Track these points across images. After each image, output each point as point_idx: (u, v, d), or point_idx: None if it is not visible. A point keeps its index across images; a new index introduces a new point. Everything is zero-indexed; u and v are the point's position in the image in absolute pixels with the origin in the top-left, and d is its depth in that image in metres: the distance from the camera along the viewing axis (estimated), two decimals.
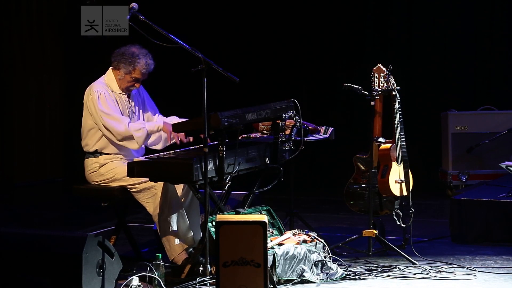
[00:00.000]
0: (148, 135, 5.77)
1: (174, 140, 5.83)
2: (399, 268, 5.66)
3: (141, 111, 6.01)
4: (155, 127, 5.78)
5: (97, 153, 5.82)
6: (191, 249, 5.64)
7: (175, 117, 6.03)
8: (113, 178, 5.77)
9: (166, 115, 6.11)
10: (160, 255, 5.25)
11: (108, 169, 5.79)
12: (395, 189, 6.03)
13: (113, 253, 5.12)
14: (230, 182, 5.56)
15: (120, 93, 5.88)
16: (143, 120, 5.99)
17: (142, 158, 5.51)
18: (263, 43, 9.84)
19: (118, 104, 5.83)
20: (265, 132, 6.22)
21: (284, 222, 6.27)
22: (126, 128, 5.70)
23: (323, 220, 7.69)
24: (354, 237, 6.08)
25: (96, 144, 5.81)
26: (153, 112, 6.07)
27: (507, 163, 6.63)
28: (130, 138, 5.71)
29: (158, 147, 5.98)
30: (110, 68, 5.91)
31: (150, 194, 5.67)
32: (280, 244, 5.42)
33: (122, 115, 5.80)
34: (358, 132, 8.48)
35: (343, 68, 9.63)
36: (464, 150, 8.74)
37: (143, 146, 5.88)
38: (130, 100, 5.94)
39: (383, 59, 6.17)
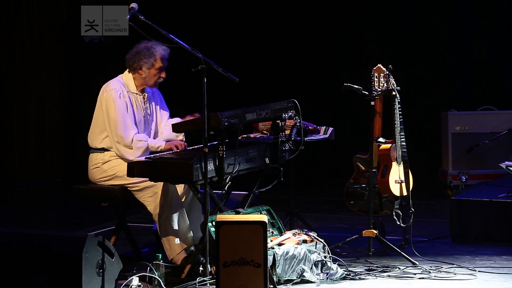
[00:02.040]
0: (147, 150, 5.74)
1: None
2: (399, 268, 5.66)
3: (157, 113, 6.00)
4: (155, 145, 5.75)
5: (103, 149, 5.82)
6: (191, 249, 5.64)
7: (178, 118, 6.03)
8: (115, 175, 5.76)
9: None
10: (160, 255, 5.24)
11: (111, 166, 5.78)
12: (395, 189, 6.03)
13: (113, 253, 5.12)
14: (230, 182, 5.56)
15: (137, 94, 5.87)
16: (156, 122, 5.99)
17: (142, 158, 5.51)
18: (263, 43, 9.84)
19: (133, 105, 5.82)
20: (265, 132, 6.22)
21: (284, 222, 6.27)
22: (130, 138, 5.69)
23: (323, 220, 7.68)
24: (354, 237, 6.08)
25: (104, 141, 5.80)
26: (166, 115, 6.06)
27: (507, 163, 6.63)
28: (130, 147, 5.70)
29: None
30: (127, 70, 5.90)
31: (151, 193, 5.67)
32: (280, 244, 5.42)
33: (135, 118, 5.79)
34: (358, 132, 8.48)
35: (343, 68, 9.63)
36: (464, 150, 8.74)
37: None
38: (146, 101, 5.93)
39: (383, 59, 6.17)
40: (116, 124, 5.70)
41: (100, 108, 5.80)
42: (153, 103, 5.99)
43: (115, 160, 5.79)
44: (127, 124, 5.70)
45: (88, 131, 5.90)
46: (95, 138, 5.84)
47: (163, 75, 5.88)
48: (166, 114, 6.07)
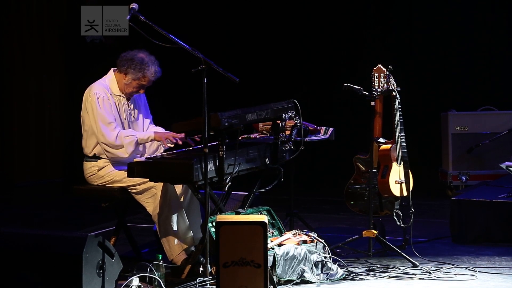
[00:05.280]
0: (138, 144, 5.73)
1: (169, 145, 5.80)
2: (399, 269, 5.66)
3: (141, 114, 5.98)
4: (145, 136, 5.75)
5: (95, 157, 5.80)
6: (192, 249, 5.64)
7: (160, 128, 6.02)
8: (112, 180, 5.76)
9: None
10: (160, 255, 5.24)
11: (107, 172, 5.77)
12: (395, 189, 6.03)
13: (113, 253, 5.12)
14: (230, 183, 5.56)
15: (120, 95, 5.86)
16: (143, 124, 5.98)
17: (142, 159, 5.51)
18: (263, 43, 9.84)
19: (116, 107, 5.80)
20: (265, 132, 6.22)
21: (284, 222, 6.27)
22: (116, 136, 5.67)
23: (323, 220, 7.69)
24: (354, 237, 6.08)
25: (94, 149, 5.77)
26: (147, 122, 6.04)
27: (507, 163, 6.63)
28: (119, 146, 5.69)
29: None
30: (112, 69, 5.89)
31: (150, 194, 5.66)
32: (280, 245, 5.42)
33: (120, 120, 5.78)
34: (358, 132, 8.48)
35: (343, 68, 9.62)
36: (464, 150, 8.74)
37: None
38: (130, 103, 5.92)
39: (383, 59, 6.17)
40: (100, 127, 5.67)
41: (85, 112, 5.78)
42: (139, 103, 5.97)
43: (110, 165, 5.77)
44: (111, 125, 5.68)
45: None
46: (86, 144, 5.81)
47: (141, 91, 5.88)
48: (147, 120, 6.04)
